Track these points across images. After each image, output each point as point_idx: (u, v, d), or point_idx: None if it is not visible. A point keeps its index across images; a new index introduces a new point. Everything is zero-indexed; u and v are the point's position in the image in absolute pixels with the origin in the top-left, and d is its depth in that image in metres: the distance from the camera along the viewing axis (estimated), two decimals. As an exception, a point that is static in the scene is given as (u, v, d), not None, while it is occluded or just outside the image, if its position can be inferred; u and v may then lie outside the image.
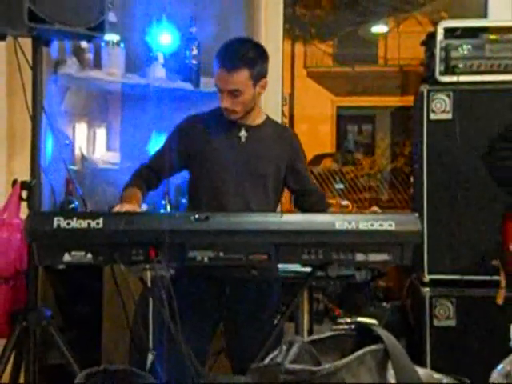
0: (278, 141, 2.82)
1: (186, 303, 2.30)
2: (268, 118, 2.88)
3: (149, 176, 2.79)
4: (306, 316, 3.27)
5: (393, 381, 0.98)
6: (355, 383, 0.92)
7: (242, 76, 2.63)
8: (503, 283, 2.76)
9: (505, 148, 2.69)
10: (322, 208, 2.83)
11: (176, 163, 2.78)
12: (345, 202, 2.96)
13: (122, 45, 3.64)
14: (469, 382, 1.11)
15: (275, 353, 0.95)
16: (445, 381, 1.09)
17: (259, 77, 2.69)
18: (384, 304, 4.01)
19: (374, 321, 0.98)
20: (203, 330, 2.68)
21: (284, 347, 0.93)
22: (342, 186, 6.32)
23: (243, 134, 2.77)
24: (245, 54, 2.65)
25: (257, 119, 2.81)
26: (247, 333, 2.69)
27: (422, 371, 1.07)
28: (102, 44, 3.56)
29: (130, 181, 2.77)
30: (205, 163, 2.74)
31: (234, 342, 2.77)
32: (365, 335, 1.02)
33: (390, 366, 0.99)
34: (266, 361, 0.94)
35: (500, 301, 2.80)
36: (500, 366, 1.00)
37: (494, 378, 0.99)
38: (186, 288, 2.54)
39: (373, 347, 0.97)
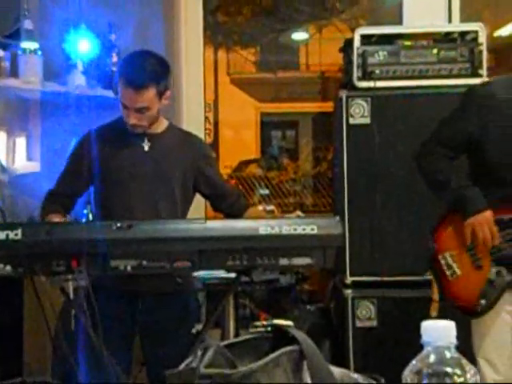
0: (183, 147, 2.82)
1: (100, 316, 2.27)
2: (171, 125, 2.88)
3: (61, 201, 2.77)
4: (231, 322, 3.27)
5: (309, 381, 1.00)
6: (270, 385, 0.93)
7: (150, 94, 2.63)
8: (436, 296, 2.77)
9: (434, 152, 2.73)
10: (240, 208, 2.85)
11: (82, 183, 2.77)
12: (270, 208, 2.98)
13: (39, 52, 3.57)
14: (383, 380, 1.14)
15: (190, 358, 0.96)
16: (360, 380, 1.12)
17: (164, 90, 2.69)
18: (308, 307, 4.06)
19: (289, 322, 0.99)
20: (119, 344, 2.65)
21: (199, 352, 0.94)
22: (267, 192, 6.37)
23: (146, 143, 2.77)
24: (150, 71, 2.64)
25: (159, 127, 2.81)
26: (163, 345, 2.68)
27: (337, 371, 1.09)
28: (19, 52, 3.49)
29: (45, 209, 2.73)
30: (110, 176, 2.72)
31: (151, 356, 2.75)
32: (281, 337, 1.04)
33: (305, 366, 1.01)
34: (181, 366, 0.94)
35: (434, 313, 2.80)
36: (412, 364, 1.02)
37: (406, 375, 1.02)
38: (100, 301, 2.51)
39: (288, 348, 0.99)
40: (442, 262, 2.68)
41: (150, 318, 2.70)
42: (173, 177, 2.76)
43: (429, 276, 2.79)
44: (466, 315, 2.65)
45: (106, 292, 2.55)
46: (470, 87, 2.83)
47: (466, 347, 1.12)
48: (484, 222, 2.59)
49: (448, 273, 2.67)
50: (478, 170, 2.71)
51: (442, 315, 2.47)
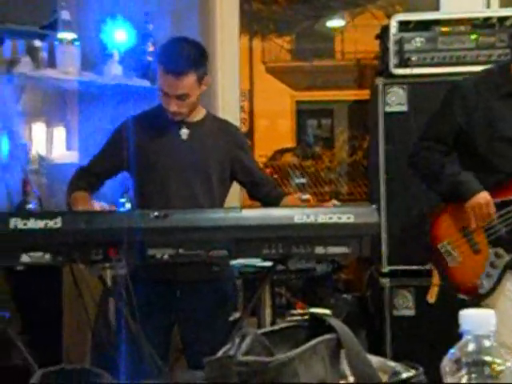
0: (220, 135, 2.83)
1: (138, 305, 2.29)
2: (208, 114, 2.89)
3: (89, 179, 2.79)
4: (268, 310, 3.29)
5: (346, 369, 1.00)
6: (308, 373, 0.93)
7: (190, 80, 2.63)
8: (436, 280, 2.81)
9: (428, 147, 2.76)
10: (277, 196, 2.84)
11: (114, 166, 2.79)
12: (305, 196, 2.97)
13: (76, 43, 3.61)
14: (421, 368, 1.14)
15: (228, 346, 0.96)
16: (398, 368, 1.11)
17: (203, 76, 2.70)
18: (345, 296, 4.05)
19: (327, 311, 0.99)
20: (158, 332, 2.67)
21: (237, 340, 0.94)
22: (303, 181, 6.35)
23: (184, 131, 2.77)
24: (190, 57, 2.64)
25: (197, 115, 2.82)
26: (202, 333, 2.69)
27: (375, 359, 1.08)
28: (56, 42, 3.53)
29: (73, 185, 2.76)
30: (148, 164, 2.74)
31: (189, 343, 2.77)
32: (318, 326, 1.04)
33: (342, 355, 1.00)
34: (219, 354, 0.95)
35: (432, 299, 2.84)
36: (451, 352, 1.02)
37: (444, 364, 1.01)
38: (138, 290, 2.53)
39: (325, 337, 0.99)
40: (442, 250, 2.73)
41: (187, 305, 2.72)
42: (210, 165, 2.77)
43: (429, 267, 2.82)
44: (471, 299, 2.68)
45: (144, 280, 2.57)
46: (453, 83, 2.86)
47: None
48: (482, 202, 2.63)
49: (448, 259, 2.72)
50: (470, 162, 2.74)
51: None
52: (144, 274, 2.56)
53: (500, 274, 2.65)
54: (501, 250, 2.65)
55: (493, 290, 2.66)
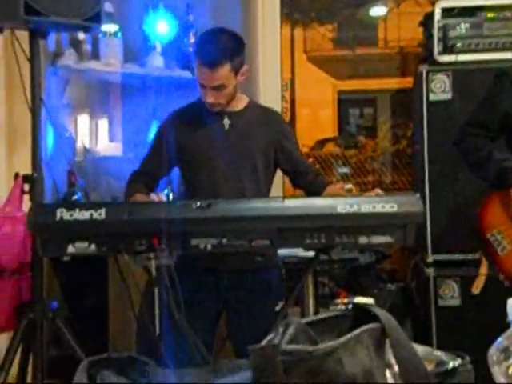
0: (263, 123, 2.82)
1: (187, 294, 2.31)
2: (250, 102, 2.88)
3: (145, 180, 2.80)
4: (311, 300, 3.28)
5: (391, 358, 0.99)
6: (352, 362, 0.93)
7: (225, 71, 2.63)
8: (484, 270, 2.77)
9: (474, 133, 2.73)
10: (320, 185, 2.83)
11: (166, 164, 2.80)
12: (348, 186, 2.95)
13: (119, 35, 3.64)
14: (468, 357, 1.12)
15: (272, 335, 0.96)
16: (444, 357, 1.10)
17: (240, 67, 2.69)
18: (389, 286, 4.02)
19: (370, 300, 0.98)
20: (205, 320, 2.70)
21: (280, 328, 0.94)
22: (345, 170, 6.31)
23: (226, 121, 2.77)
24: (224, 48, 2.63)
25: (239, 105, 2.82)
26: (248, 321, 2.70)
27: (421, 348, 1.07)
28: (100, 35, 3.56)
29: (130, 189, 2.77)
30: (193, 157, 2.75)
31: (236, 331, 2.78)
32: (362, 315, 1.03)
33: (387, 344, 1.00)
34: (263, 342, 0.95)
35: (477, 289, 2.81)
36: (498, 341, 1.00)
37: (492, 353, 1.00)
38: (185, 279, 2.55)
39: (370, 326, 0.98)
40: (492, 239, 2.69)
41: (234, 293, 2.73)
42: (255, 153, 2.76)
43: (478, 256, 2.78)
44: None
45: (192, 269, 2.60)
46: (501, 69, 2.82)
47: None
48: None
49: (498, 249, 2.68)
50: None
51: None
52: (191, 262, 2.57)
53: None
54: None
55: None
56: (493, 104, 2.72)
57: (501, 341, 1.00)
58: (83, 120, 3.90)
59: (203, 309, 2.69)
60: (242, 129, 2.78)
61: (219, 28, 2.78)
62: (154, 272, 2.37)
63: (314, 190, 2.82)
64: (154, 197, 2.62)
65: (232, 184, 2.72)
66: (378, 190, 2.73)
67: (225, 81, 2.65)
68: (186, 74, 3.84)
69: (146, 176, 2.81)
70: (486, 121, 2.74)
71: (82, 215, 2.16)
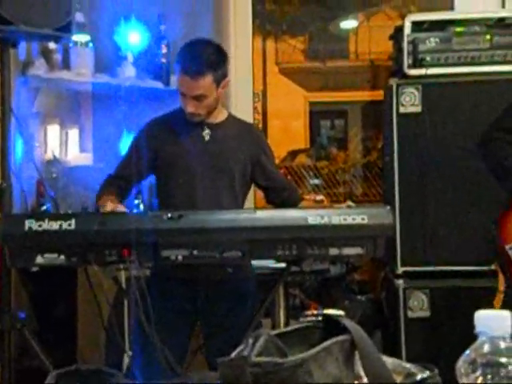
0: (242, 137, 2.83)
1: (161, 305, 2.30)
2: (230, 115, 2.89)
3: (118, 185, 2.79)
4: (282, 312, 3.28)
5: (360, 370, 0.99)
6: (322, 374, 0.93)
7: (207, 81, 2.63)
8: (502, 287, 2.70)
9: (499, 138, 2.69)
10: (295, 202, 2.84)
11: (142, 169, 2.79)
12: (319, 197, 2.96)
13: (90, 45, 3.62)
14: (436, 370, 1.13)
15: (241, 346, 0.96)
16: (413, 369, 1.11)
17: (222, 79, 2.70)
18: (359, 297, 4.04)
19: (340, 312, 0.99)
20: (179, 331, 2.68)
21: (250, 340, 0.94)
22: (317, 182, 6.34)
23: (207, 132, 2.78)
24: (207, 59, 2.64)
25: (219, 117, 2.82)
26: (222, 333, 2.69)
27: (389, 360, 1.08)
28: (71, 44, 3.54)
29: (102, 191, 2.76)
30: (171, 166, 2.74)
31: (210, 343, 2.77)
32: (332, 327, 1.04)
33: (357, 356, 1.00)
34: (233, 355, 0.95)
35: (498, 305, 2.70)
36: (466, 353, 1.01)
37: (459, 365, 1.01)
38: (160, 290, 2.54)
39: (339, 338, 0.98)
40: (510, 252, 2.62)
41: (208, 305, 2.72)
42: (233, 166, 2.77)
43: (494, 267, 2.74)
44: None
45: (167, 280, 2.59)
46: None
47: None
48: None
49: None
50: None
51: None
52: (165, 273, 2.57)
53: None
54: None
55: None
56: None
57: (468, 353, 1.01)
58: (53, 130, 3.87)
59: (177, 320, 2.67)
60: (221, 141, 2.78)
61: (203, 39, 2.80)
62: (123, 283, 2.36)
63: (287, 206, 2.82)
64: (121, 208, 2.60)
65: (209, 195, 2.72)
66: (349, 202, 2.75)
67: (206, 91, 2.65)
68: (158, 85, 3.83)
69: (121, 180, 2.80)
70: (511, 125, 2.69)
71: (51, 226, 2.15)
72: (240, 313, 2.74)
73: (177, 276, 2.62)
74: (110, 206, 2.53)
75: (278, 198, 2.88)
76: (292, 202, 2.84)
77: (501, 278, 2.70)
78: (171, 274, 2.60)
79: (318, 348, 0.95)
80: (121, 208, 2.57)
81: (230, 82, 2.79)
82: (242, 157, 2.79)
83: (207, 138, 2.77)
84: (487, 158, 2.76)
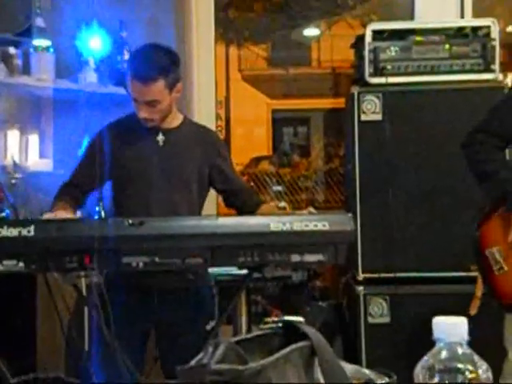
0: (199, 142, 2.82)
1: (114, 312, 2.28)
2: (186, 119, 2.88)
3: (73, 192, 2.77)
4: (244, 318, 3.27)
5: (319, 376, 1.00)
6: (282, 381, 0.93)
7: (159, 86, 2.62)
8: (479, 293, 2.70)
9: (481, 142, 2.67)
10: (254, 205, 2.85)
11: (97, 176, 2.77)
12: (282, 204, 2.98)
13: (51, 50, 3.59)
14: (395, 376, 1.14)
15: (201, 354, 0.96)
16: (372, 376, 1.12)
17: (174, 83, 2.69)
18: (320, 303, 4.06)
19: (300, 318, 1.00)
20: (133, 340, 2.66)
21: (210, 348, 0.94)
22: (279, 188, 6.37)
23: (161, 138, 2.76)
24: (158, 64, 2.63)
25: (174, 121, 2.81)
26: (178, 341, 2.68)
27: (349, 367, 1.09)
28: (31, 49, 3.51)
29: (57, 199, 2.74)
30: (126, 171, 2.73)
31: (165, 351, 2.75)
32: (292, 333, 1.04)
33: (316, 362, 1.01)
34: (192, 362, 0.95)
35: (473, 311, 2.71)
36: (423, 360, 1.02)
37: (417, 372, 1.02)
38: (112, 298, 2.52)
39: (299, 344, 0.99)
40: (489, 256, 2.61)
41: (163, 313, 2.70)
42: (189, 171, 2.76)
43: (473, 271, 2.74)
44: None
45: (121, 288, 2.56)
46: None
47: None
48: None
49: (495, 268, 2.60)
50: None
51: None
52: (120, 281, 2.54)
53: None
54: None
55: None
56: (507, 111, 2.66)
57: (426, 359, 1.02)
58: (13, 135, 3.82)
59: (132, 329, 2.65)
60: (176, 146, 2.77)
61: (154, 44, 2.78)
62: (84, 290, 2.33)
63: (247, 210, 2.83)
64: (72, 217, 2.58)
65: (164, 201, 2.71)
66: (311, 209, 2.76)
67: (158, 96, 2.64)
68: (120, 91, 3.80)
69: (75, 188, 2.78)
70: (496, 128, 2.66)
71: (11, 232, 2.12)
72: (195, 321, 2.73)
73: (130, 284, 2.58)
74: (60, 215, 2.51)
75: (237, 201, 2.88)
76: (251, 205, 2.85)
77: (479, 283, 2.70)
78: (124, 283, 2.57)
79: (277, 355, 0.96)
80: (71, 217, 2.55)
81: (182, 87, 2.77)
82: (198, 161, 2.78)
83: (161, 143, 2.76)
84: (470, 161, 2.73)
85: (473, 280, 3.25)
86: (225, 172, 2.85)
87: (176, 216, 2.61)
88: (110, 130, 2.79)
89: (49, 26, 3.55)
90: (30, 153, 3.92)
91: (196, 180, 2.77)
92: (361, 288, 3.40)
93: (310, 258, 2.27)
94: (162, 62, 2.64)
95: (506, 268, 2.59)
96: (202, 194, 2.83)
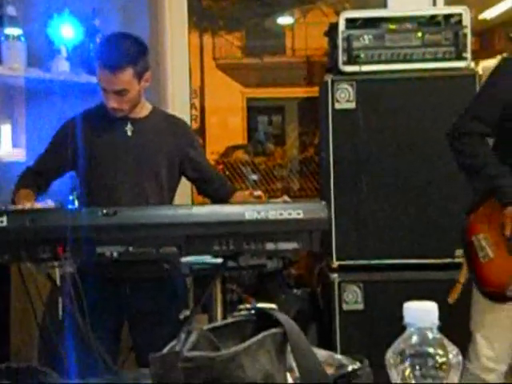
0: (168, 131, 2.81)
1: (88, 302, 2.27)
2: (155, 109, 2.87)
3: (36, 179, 2.77)
4: (219, 307, 3.28)
5: (292, 363, 1.01)
6: (254, 367, 0.94)
7: (127, 75, 2.61)
8: (462, 279, 2.69)
9: (466, 131, 2.66)
10: (227, 193, 2.85)
11: (62, 165, 2.77)
12: (257, 193, 2.98)
13: (22, 39, 3.55)
14: (366, 360, 1.16)
15: (174, 342, 0.97)
16: (344, 361, 1.13)
17: (143, 72, 2.67)
18: (295, 291, 4.07)
19: (273, 305, 1.01)
20: (108, 329, 2.66)
21: (182, 336, 0.95)
22: (255, 177, 6.37)
23: (129, 127, 2.75)
24: (126, 52, 2.61)
25: (143, 111, 2.80)
26: (151, 331, 2.67)
27: (322, 353, 1.10)
28: (2, 38, 3.47)
29: (19, 183, 2.74)
30: (94, 161, 2.71)
31: (139, 340, 2.75)
32: (265, 320, 1.05)
33: (289, 348, 1.01)
34: (165, 350, 0.95)
35: (452, 298, 2.70)
36: (394, 345, 1.03)
37: (388, 357, 1.03)
38: (88, 287, 2.50)
39: (272, 331, 1.00)
40: (475, 243, 2.62)
41: (136, 303, 2.70)
42: (158, 161, 2.75)
43: (460, 258, 2.76)
44: (493, 301, 2.63)
45: (93, 278, 2.54)
46: (501, 59, 2.78)
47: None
48: None
49: (480, 255, 2.61)
50: (507, 142, 2.64)
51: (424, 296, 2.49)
52: (94, 270, 2.53)
53: None
54: None
55: None
56: (491, 93, 2.65)
57: (397, 344, 1.03)
58: (-15, 125, 3.79)
59: (105, 319, 2.64)
60: (145, 135, 2.76)
61: (122, 32, 2.76)
62: (58, 280, 2.33)
63: (220, 197, 2.84)
64: (38, 204, 2.56)
65: (134, 191, 2.70)
66: (286, 197, 2.77)
67: (127, 85, 2.62)
68: (93, 80, 3.77)
69: (37, 175, 2.78)
70: (482, 114, 2.65)
71: (-18, 223, 2.11)
72: (167, 311, 2.72)
73: (101, 275, 2.56)
74: (25, 194, 2.51)
75: (209, 188, 2.89)
76: (224, 193, 2.85)
77: (464, 269, 2.71)
78: (96, 273, 2.55)
79: (249, 341, 0.96)
80: (36, 206, 2.53)
81: (151, 76, 2.75)
82: (167, 151, 2.77)
83: (130, 133, 2.75)
84: (457, 152, 2.70)
85: (445, 266, 3.30)
86: (196, 160, 2.85)
87: (146, 206, 2.61)
88: (78, 120, 2.77)
89: (20, 15, 3.51)
90: (2, 142, 3.88)
91: (165, 169, 2.77)
92: (335, 275, 3.42)
93: (285, 245, 2.28)
94: (130, 51, 2.62)
95: (491, 255, 2.61)
96: (172, 183, 2.82)
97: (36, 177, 2.77)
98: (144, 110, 2.81)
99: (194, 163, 2.84)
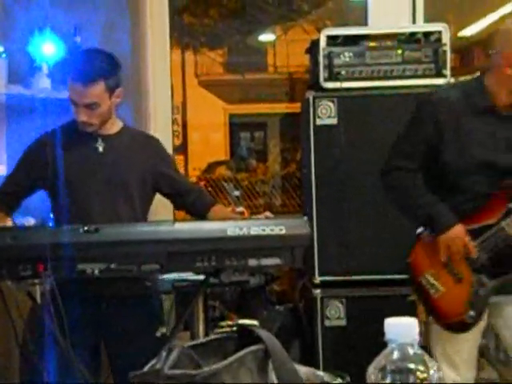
0: (139, 148, 2.81)
1: (68, 320, 2.25)
2: (125, 126, 2.86)
3: (6, 199, 2.77)
4: (201, 324, 3.27)
5: (274, 380, 1.00)
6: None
7: (98, 89, 2.61)
8: (423, 317, 2.71)
9: (395, 167, 2.71)
10: (205, 205, 2.84)
11: (31, 184, 2.77)
12: (240, 209, 2.99)
13: (3, 55, 3.54)
14: (348, 377, 1.16)
15: (154, 360, 0.96)
16: (326, 378, 1.13)
17: (114, 87, 2.68)
18: (278, 307, 4.06)
19: (254, 322, 1.01)
20: (87, 346, 2.63)
21: (163, 353, 0.94)
22: (237, 193, 6.37)
23: (100, 143, 2.74)
24: (99, 66, 2.62)
25: (113, 128, 2.79)
26: (127, 350, 2.64)
27: (304, 369, 1.10)
28: (-17, 55, 3.46)
29: None
30: (64, 180, 2.69)
31: (115, 360, 2.73)
32: (246, 337, 1.05)
33: (270, 365, 1.01)
34: (146, 368, 0.94)
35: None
36: (376, 361, 1.04)
37: (370, 373, 1.03)
38: (66, 304, 2.48)
39: (253, 348, 1.00)
40: (424, 282, 2.66)
41: (113, 321, 2.68)
42: (129, 178, 2.74)
43: (412, 298, 2.79)
44: (456, 331, 2.64)
45: (70, 296, 2.52)
46: (422, 96, 2.85)
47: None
48: (455, 237, 2.57)
49: (431, 292, 2.64)
50: (436, 180, 2.68)
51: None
52: (72, 288, 2.50)
53: (484, 301, 2.59)
54: (483, 277, 2.58)
55: (478, 318, 2.60)
56: (414, 132, 2.69)
57: (378, 360, 1.03)
58: (-35, 141, 3.76)
59: (83, 337, 2.61)
60: (116, 152, 2.75)
61: (94, 48, 2.79)
62: (38, 298, 2.31)
63: (198, 210, 2.83)
64: (30, 220, 2.56)
65: (105, 209, 2.68)
66: (268, 213, 2.78)
67: (98, 99, 2.62)
68: (74, 96, 3.77)
69: (8, 195, 2.78)
70: (409, 151, 2.69)
71: (-38, 241, 2.09)
72: (145, 328, 2.69)
73: (80, 293, 2.51)
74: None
75: (186, 201, 2.87)
76: (202, 205, 2.84)
77: (420, 308, 2.74)
78: (75, 291, 2.51)
79: (231, 359, 0.96)
80: (8, 223, 2.53)
81: (122, 92, 2.75)
82: (139, 168, 2.76)
83: (101, 149, 2.74)
84: (389, 190, 2.76)
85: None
86: (170, 176, 2.85)
87: (118, 223, 2.59)
88: (47, 138, 2.76)
89: (1, 32, 3.51)
90: (-18, 159, 3.86)
91: (138, 187, 2.75)
92: (318, 291, 3.42)
93: (267, 261, 2.28)
94: (102, 65, 2.63)
95: (441, 289, 2.64)
96: (144, 200, 2.81)
97: (5, 197, 2.77)
98: (115, 126, 2.80)
99: (167, 179, 2.84)
